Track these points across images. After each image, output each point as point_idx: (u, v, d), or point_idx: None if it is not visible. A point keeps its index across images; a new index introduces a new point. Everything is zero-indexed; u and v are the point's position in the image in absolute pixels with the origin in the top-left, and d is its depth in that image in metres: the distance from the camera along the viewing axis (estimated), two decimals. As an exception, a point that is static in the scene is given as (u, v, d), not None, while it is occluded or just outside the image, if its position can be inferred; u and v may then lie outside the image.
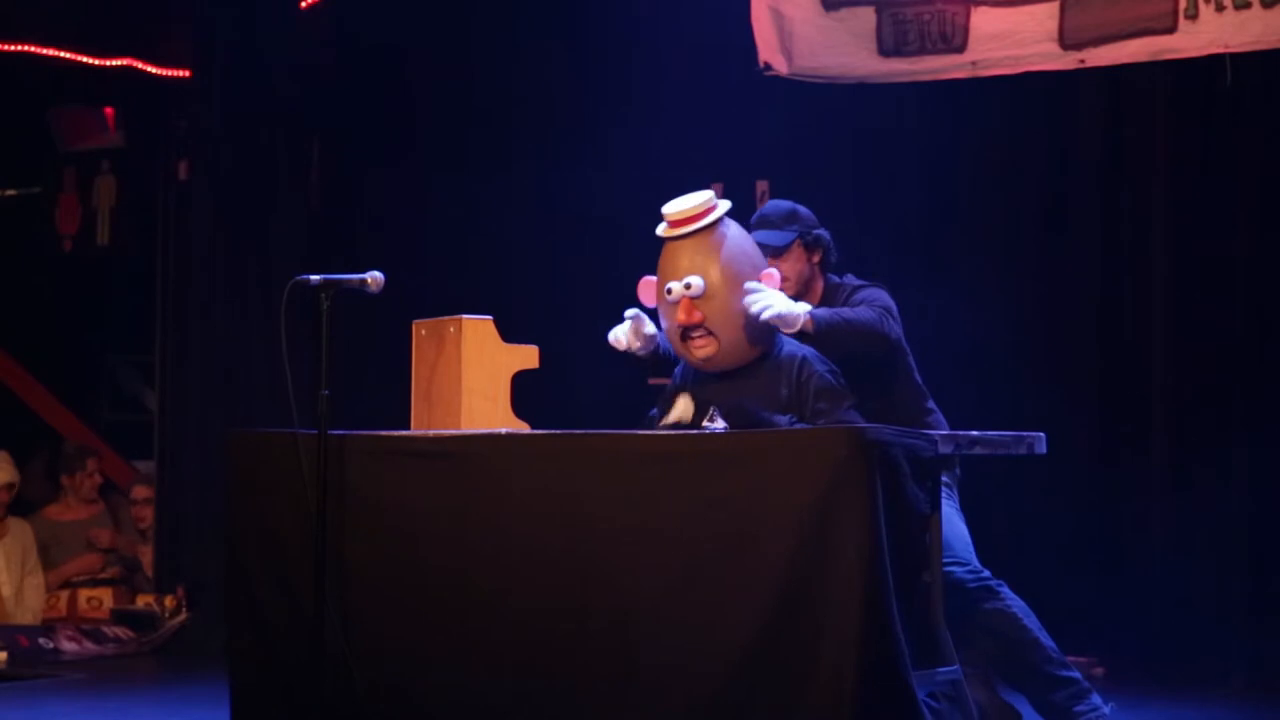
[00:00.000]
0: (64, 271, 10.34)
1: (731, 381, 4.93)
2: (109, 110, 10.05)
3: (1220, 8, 6.95)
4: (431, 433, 5.10)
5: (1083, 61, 7.30)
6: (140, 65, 9.27)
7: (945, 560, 4.76)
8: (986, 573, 5.10)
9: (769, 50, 7.85)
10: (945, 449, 4.69)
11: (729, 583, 4.34)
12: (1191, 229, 7.34)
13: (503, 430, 4.98)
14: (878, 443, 4.29)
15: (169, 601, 8.70)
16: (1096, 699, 5.08)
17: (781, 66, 7.85)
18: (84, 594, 8.97)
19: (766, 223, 5.30)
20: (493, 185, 8.57)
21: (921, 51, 7.59)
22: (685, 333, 4.94)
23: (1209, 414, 7.26)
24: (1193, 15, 7.00)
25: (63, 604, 8.93)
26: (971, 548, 5.15)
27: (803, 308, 4.94)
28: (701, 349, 4.94)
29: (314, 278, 4.99)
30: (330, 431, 4.89)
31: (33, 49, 9.23)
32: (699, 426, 4.78)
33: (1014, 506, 7.42)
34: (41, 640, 8.27)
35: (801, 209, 5.35)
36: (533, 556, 4.65)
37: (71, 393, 10.44)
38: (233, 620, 5.23)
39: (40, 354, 10.38)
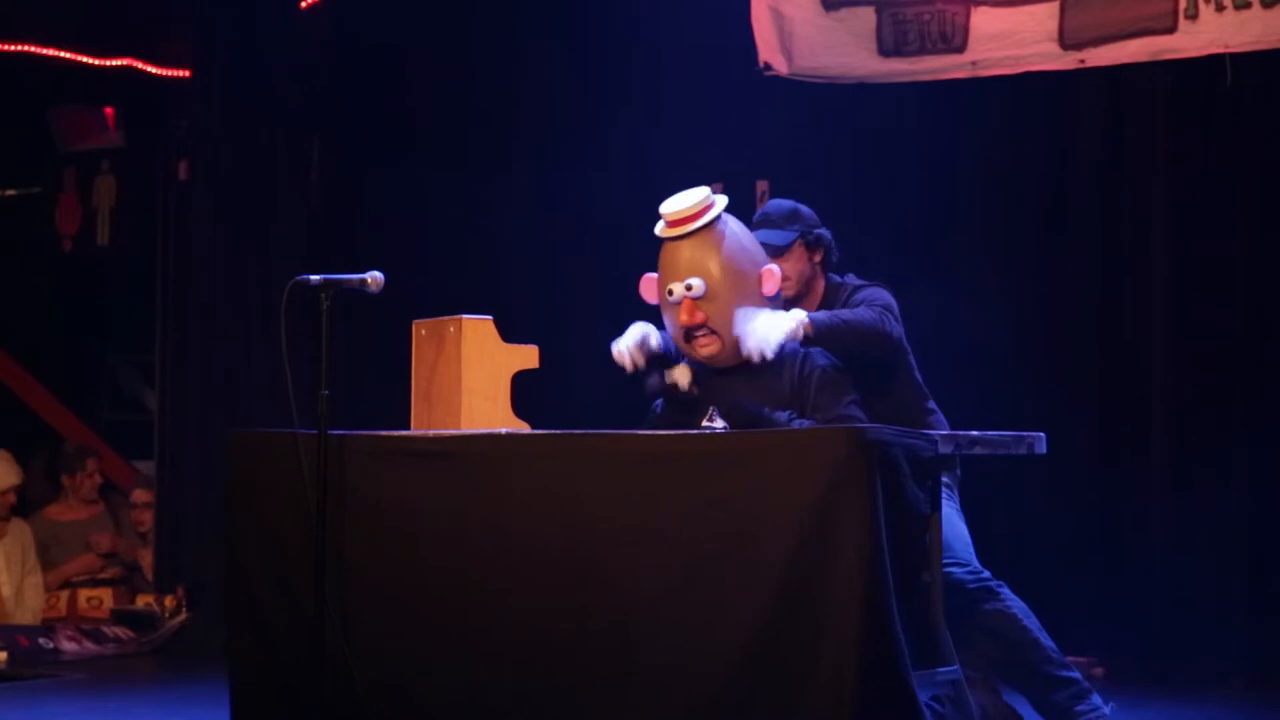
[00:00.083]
0: (64, 271, 10.34)
1: (734, 377, 4.94)
2: (109, 110, 10.05)
3: (1220, 8, 6.95)
4: (431, 433, 5.10)
5: (1083, 61, 7.30)
6: (140, 65, 9.27)
7: (945, 561, 4.76)
8: (986, 574, 5.10)
9: (769, 50, 7.85)
10: (945, 449, 4.69)
11: (729, 583, 4.34)
12: (1191, 229, 7.34)
13: (503, 430, 4.98)
14: (878, 443, 4.29)
15: (169, 601, 8.70)
16: (1097, 699, 5.08)
17: (781, 66, 7.85)
18: (84, 594, 8.98)
19: (768, 222, 5.29)
20: (493, 185, 8.56)
21: (921, 51, 7.59)
22: (688, 333, 4.94)
23: (1209, 414, 7.26)
24: (1193, 15, 7.00)
25: (63, 604, 8.93)
26: (972, 549, 5.15)
27: (796, 316, 4.92)
28: (705, 347, 4.95)
29: (314, 278, 4.98)
30: (330, 431, 4.89)
31: (33, 49, 9.23)
32: (699, 426, 4.79)
33: (1014, 506, 7.42)
34: (41, 640, 8.27)
35: (803, 208, 5.35)
36: (533, 556, 4.65)
37: (71, 393, 10.44)
38: (233, 620, 5.23)
39: (40, 354, 10.38)
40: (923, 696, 4.33)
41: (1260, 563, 7.13)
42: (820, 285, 5.32)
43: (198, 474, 8.91)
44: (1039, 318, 7.63)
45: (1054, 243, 7.64)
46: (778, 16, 7.82)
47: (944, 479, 4.95)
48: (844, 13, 7.74)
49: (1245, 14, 6.90)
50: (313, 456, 4.86)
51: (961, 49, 7.50)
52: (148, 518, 9.25)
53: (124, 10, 9.22)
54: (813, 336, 4.93)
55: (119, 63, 9.28)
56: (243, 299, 9.03)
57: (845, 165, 7.92)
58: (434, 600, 4.81)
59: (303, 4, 8.96)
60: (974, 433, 4.87)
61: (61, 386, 10.39)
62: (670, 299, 4.95)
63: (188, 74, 9.19)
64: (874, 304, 5.13)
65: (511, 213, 8.57)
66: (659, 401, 5.12)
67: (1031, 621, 5.08)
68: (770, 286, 4.97)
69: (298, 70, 9.04)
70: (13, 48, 9.21)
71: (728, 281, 4.91)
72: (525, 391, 5.21)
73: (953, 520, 5.08)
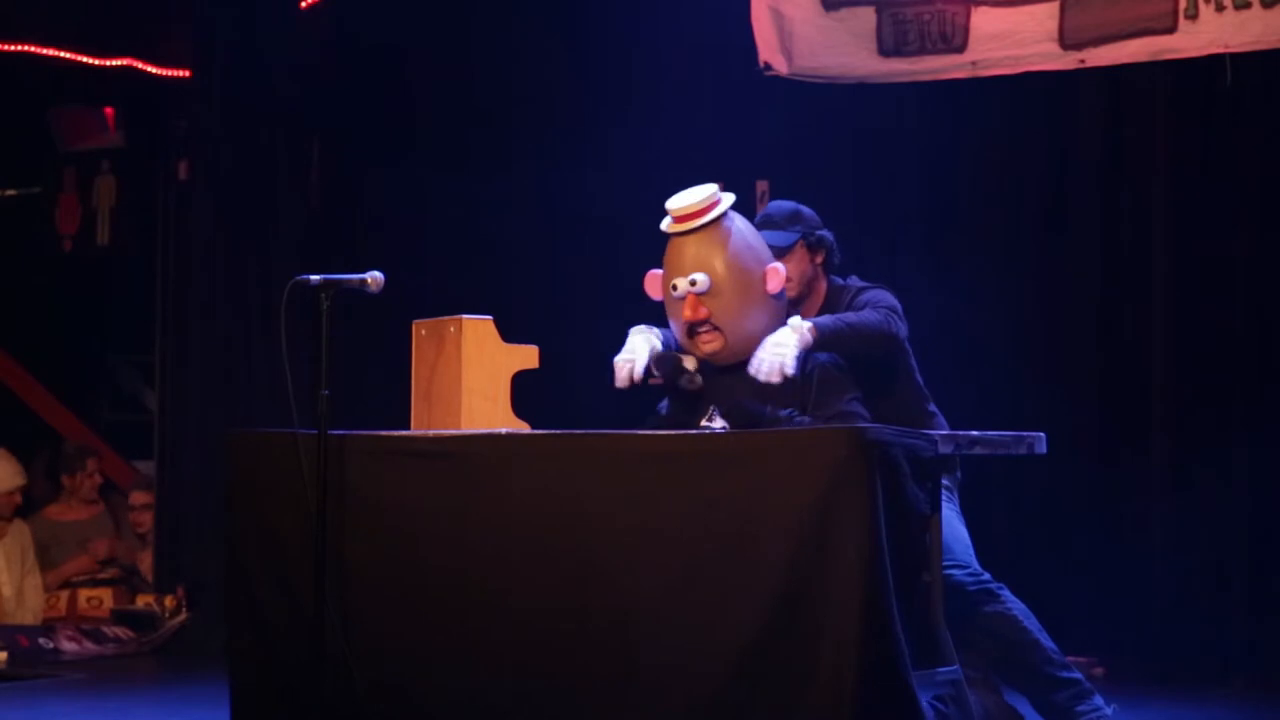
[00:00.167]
0: (64, 271, 10.34)
1: (735, 377, 4.93)
2: (109, 110, 10.04)
3: (1220, 8, 6.95)
4: (431, 433, 5.10)
5: (1083, 61, 7.30)
6: (140, 65, 9.26)
7: (945, 563, 4.76)
8: (987, 575, 5.10)
9: (769, 50, 7.85)
10: (945, 449, 4.69)
11: (729, 583, 4.34)
12: (1191, 229, 7.33)
13: (503, 430, 4.98)
14: (878, 443, 4.29)
15: (169, 601, 8.70)
16: (1098, 700, 5.08)
17: (781, 66, 7.85)
18: (84, 594, 8.98)
19: (770, 223, 5.29)
20: (493, 185, 8.56)
21: (921, 51, 7.59)
22: (692, 329, 4.94)
23: (1209, 414, 7.26)
24: (1193, 15, 7.00)
25: (63, 604, 8.93)
26: (972, 551, 5.15)
27: (798, 326, 4.91)
28: (708, 344, 4.95)
29: (314, 278, 4.99)
30: (330, 431, 4.89)
31: (33, 49, 9.23)
32: (699, 426, 4.79)
33: (1014, 506, 7.42)
34: (41, 640, 8.27)
35: (805, 209, 5.34)
36: (533, 556, 4.65)
37: (71, 393, 10.44)
38: (233, 620, 5.23)
39: (40, 354, 10.38)
40: (926, 697, 4.34)
41: (1260, 563, 7.13)
42: (822, 287, 5.31)
43: (198, 474, 8.90)
44: (1039, 318, 7.63)
45: (1054, 243, 7.64)
46: (778, 16, 7.82)
47: (944, 482, 4.95)
48: (844, 13, 7.73)
49: (1245, 14, 6.90)
50: (313, 456, 4.86)
51: (961, 49, 7.50)
52: (146, 519, 9.25)
53: (124, 10, 9.21)
54: (818, 342, 4.91)
55: (119, 63, 9.27)
56: (243, 299, 9.02)
57: (845, 165, 7.92)
58: (434, 600, 4.81)
59: (303, 4, 8.95)
60: (974, 433, 4.87)
61: (61, 386, 10.39)
62: (674, 294, 4.96)
63: (188, 74, 9.19)
64: (879, 305, 5.12)
65: (511, 213, 8.57)
66: (663, 404, 5.12)
67: (1032, 622, 5.08)
68: (774, 284, 4.97)
69: (298, 70, 9.04)
70: (13, 48, 9.21)
71: (732, 278, 4.91)
72: (525, 391, 5.21)
73: (952, 523, 5.07)
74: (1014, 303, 7.62)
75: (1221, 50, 6.98)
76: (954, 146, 7.81)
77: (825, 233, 5.31)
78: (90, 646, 8.35)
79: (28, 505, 9.25)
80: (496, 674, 4.68)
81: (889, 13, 7.64)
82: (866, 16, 7.69)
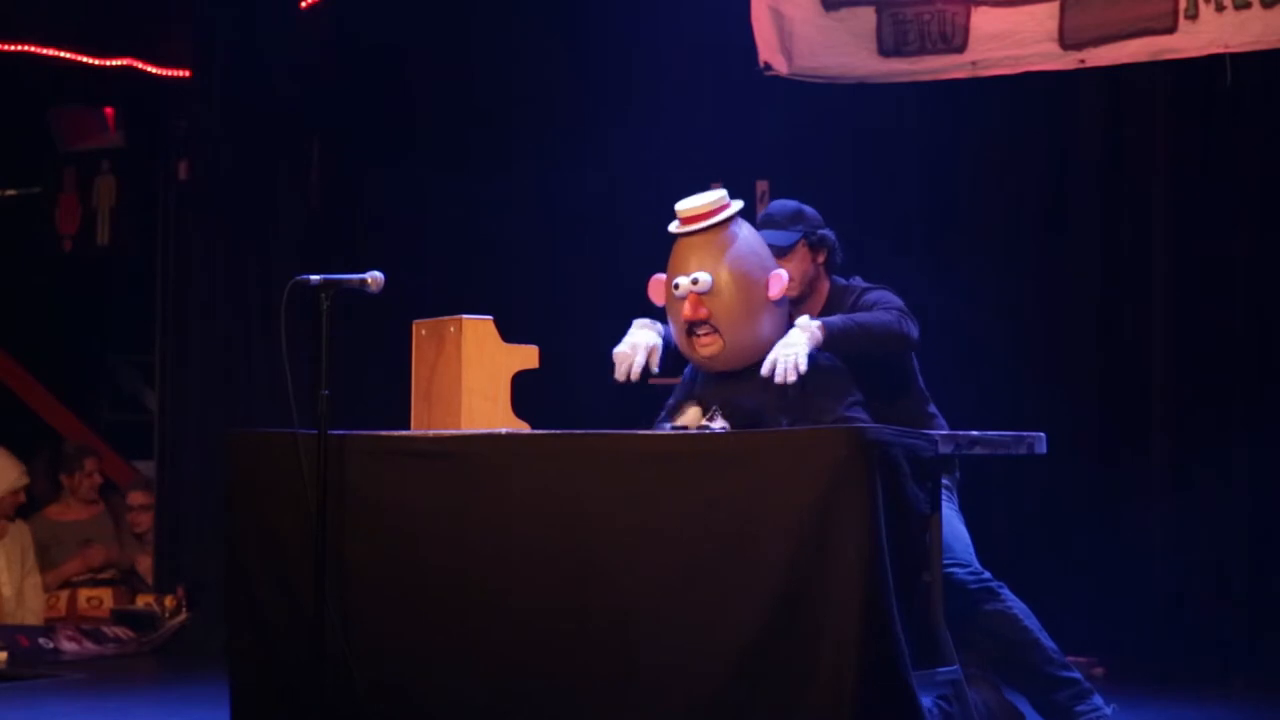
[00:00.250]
0: (64, 271, 10.34)
1: (738, 382, 4.93)
2: (109, 110, 10.04)
3: (1220, 8, 6.95)
4: (431, 433, 5.10)
5: (1083, 61, 7.30)
6: (140, 65, 9.26)
7: (945, 562, 4.76)
8: (987, 574, 5.10)
9: (769, 50, 7.85)
10: (945, 449, 4.69)
11: (729, 583, 4.34)
12: (1191, 229, 7.34)
13: (503, 430, 4.98)
14: (878, 443, 4.29)
15: (169, 601, 8.70)
16: (1098, 699, 5.08)
17: (781, 66, 7.85)
18: (84, 594, 8.97)
19: (771, 222, 5.29)
20: (493, 185, 8.56)
21: (921, 51, 7.59)
22: (691, 328, 4.94)
23: (1209, 414, 7.26)
24: (1193, 15, 7.00)
25: (63, 604, 8.93)
26: (972, 550, 5.14)
27: (807, 325, 4.90)
28: (706, 346, 4.94)
29: (314, 278, 4.99)
30: (330, 431, 4.89)
31: (33, 49, 9.22)
32: (699, 426, 4.78)
33: (1014, 506, 7.42)
34: (41, 640, 8.27)
35: (807, 209, 5.33)
36: (533, 556, 4.65)
37: (71, 393, 10.44)
38: (233, 620, 5.23)
39: (40, 354, 10.38)
40: (929, 696, 4.34)
41: (1260, 563, 7.13)
42: (824, 287, 5.30)
43: (198, 474, 8.90)
44: (1039, 318, 7.63)
45: (1054, 243, 7.64)
46: (778, 16, 7.82)
47: (944, 482, 4.95)
48: (844, 13, 7.74)
49: (1245, 14, 6.90)
50: (313, 456, 4.86)
51: (961, 49, 7.50)
52: (145, 519, 9.25)
53: (124, 10, 9.21)
54: (827, 340, 4.91)
55: (119, 63, 9.27)
56: (243, 299, 9.02)
57: (845, 165, 7.93)
58: (434, 600, 4.81)
59: (303, 4, 8.95)
60: (974, 433, 4.87)
61: (61, 386, 10.39)
62: (676, 293, 4.96)
63: (188, 74, 9.18)
64: (889, 306, 5.10)
65: (511, 213, 8.57)
66: (670, 400, 5.12)
67: (1032, 622, 5.08)
68: (776, 290, 4.96)
69: (298, 70, 9.04)
70: (13, 48, 9.20)
71: (734, 281, 4.91)
72: (525, 391, 5.21)
73: (952, 522, 5.07)
74: (1014, 303, 7.62)
75: (1221, 50, 6.98)
76: (954, 146, 7.81)
77: (827, 232, 5.30)
78: (90, 646, 8.34)
79: (28, 505, 9.25)
80: (497, 674, 4.68)
81: (889, 13, 7.64)
82: (866, 16, 7.69)
